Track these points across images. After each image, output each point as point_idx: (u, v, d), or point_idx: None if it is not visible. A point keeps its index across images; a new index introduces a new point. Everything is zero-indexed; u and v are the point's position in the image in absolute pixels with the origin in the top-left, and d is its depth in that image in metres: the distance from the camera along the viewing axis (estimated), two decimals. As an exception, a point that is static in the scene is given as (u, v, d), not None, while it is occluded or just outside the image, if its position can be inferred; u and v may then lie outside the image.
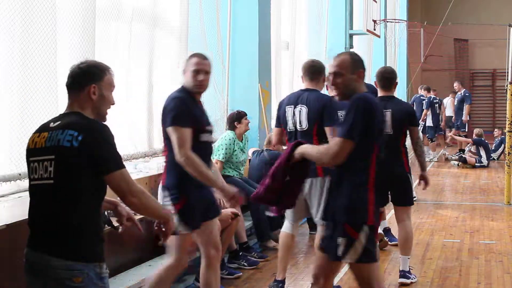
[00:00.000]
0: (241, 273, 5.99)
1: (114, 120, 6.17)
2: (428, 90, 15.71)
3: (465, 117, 16.49)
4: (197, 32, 7.57)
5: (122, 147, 6.21)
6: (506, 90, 9.77)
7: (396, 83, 5.94)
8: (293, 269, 6.27)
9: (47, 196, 2.82)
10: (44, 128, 2.93)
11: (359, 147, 3.53)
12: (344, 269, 5.88)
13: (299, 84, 11.95)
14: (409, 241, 5.76)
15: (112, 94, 3.01)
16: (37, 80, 4.81)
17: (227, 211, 5.87)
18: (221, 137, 7.13)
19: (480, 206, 9.66)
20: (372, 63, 16.51)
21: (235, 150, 7.00)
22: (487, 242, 7.24)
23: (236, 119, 7.07)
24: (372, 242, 3.59)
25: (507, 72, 9.91)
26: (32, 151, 2.90)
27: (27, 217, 4.18)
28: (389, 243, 7.10)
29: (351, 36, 13.21)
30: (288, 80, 10.98)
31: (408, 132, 5.74)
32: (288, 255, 5.42)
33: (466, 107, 16.42)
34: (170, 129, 4.23)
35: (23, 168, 4.73)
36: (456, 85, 16.84)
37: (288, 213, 5.28)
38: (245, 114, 7.12)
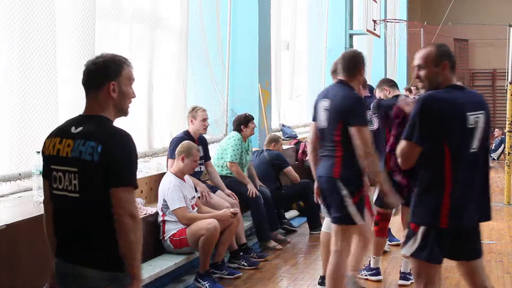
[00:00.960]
0: (241, 273, 5.99)
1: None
2: (409, 90, 15.52)
3: None
4: (197, 32, 7.57)
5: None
6: (506, 90, 9.77)
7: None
8: (293, 269, 6.27)
9: (74, 208, 2.73)
10: (66, 133, 2.76)
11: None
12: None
13: (299, 84, 11.98)
14: None
15: (132, 87, 2.88)
16: (37, 80, 4.81)
17: (226, 211, 5.87)
18: (227, 138, 7.14)
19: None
20: (372, 63, 16.52)
21: (242, 152, 7.03)
22: (487, 242, 7.23)
23: (243, 123, 7.09)
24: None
25: (507, 72, 9.91)
26: (55, 159, 2.76)
27: (27, 217, 4.22)
28: (389, 243, 7.10)
29: (351, 36, 13.21)
30: (289, 80, 10.99)
31: None
32: (328, 252, 5.25)
33: None
34: (358, 129, 4.37)
35: (23, 168, 4.73)
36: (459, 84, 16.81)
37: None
38: (252, 118, 7.16)
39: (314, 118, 4.75)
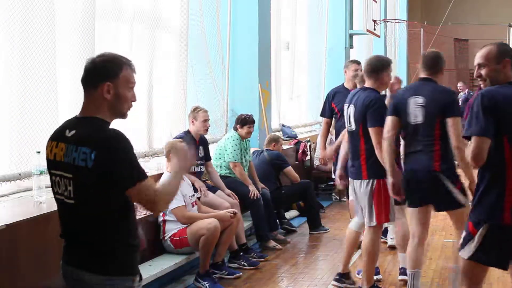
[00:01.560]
0: (241, 273, 5.99)
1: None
2: None
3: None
4: (197, 32, 7.57)
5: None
6: (506, 90, 9.75)
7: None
8: (293, 269, 6.28)
9: (71, 214, 2.72)
10: (61, 136, 2.73)
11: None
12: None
13: (299, 84, 11.99)
14: (407, 238, 5.54)
15: (132, 90, 2.80)
16: (37, 80, 4.81)
17: (226, 212, 5.87)
18: (226, 138, 7.14)
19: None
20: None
21: (241, 151, 7.03)
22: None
23: (239, 123, 7.09)
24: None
25: (507, 72, 9.88)
26: (52, 163, 2.75)
27: (27, 217, 4.22)
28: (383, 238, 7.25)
29: (351, 36, 13.20)
30: (289, 80, 10.99)
31: None
32: (351, 251, 5.45)
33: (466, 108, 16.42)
34: (455, 120, 4.63)
35: (23, 168, 4.73)
36: (460, 85, 16.77)
37: (359, 212, 5.26)
38: (251, 122, 7.09)
39: (397, 114, 4.84)
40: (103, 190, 2.62)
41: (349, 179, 5.37)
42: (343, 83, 7.23)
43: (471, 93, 16.77)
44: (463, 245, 3.62)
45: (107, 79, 2.70)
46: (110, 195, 2.64)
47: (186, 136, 6.27)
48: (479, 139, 3.47)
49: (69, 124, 2.75)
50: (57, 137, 2.75)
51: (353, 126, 5.09)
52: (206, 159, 6.60)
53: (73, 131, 2.68)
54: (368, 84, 5.11)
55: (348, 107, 5.14)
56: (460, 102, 16.64)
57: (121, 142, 2.63)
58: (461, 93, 16.82)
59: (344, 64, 7.52)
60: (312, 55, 12.22)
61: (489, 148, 3.47)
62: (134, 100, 2.83)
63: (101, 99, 2.70)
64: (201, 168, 6.49)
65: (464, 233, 3.66)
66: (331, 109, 7.06)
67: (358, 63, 7.11)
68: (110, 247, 2.68)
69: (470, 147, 3.54)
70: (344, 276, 5.49)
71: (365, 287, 5.21)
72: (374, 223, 5.08)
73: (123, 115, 2.81)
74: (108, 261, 2.68)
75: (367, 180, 5.04)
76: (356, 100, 5.05)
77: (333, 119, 7.10)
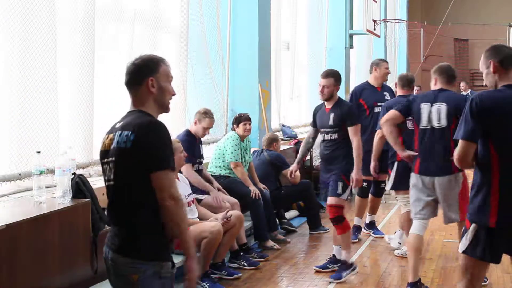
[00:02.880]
0: (240, 274, 5.99)
1: (115, 119, 6.22)
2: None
3: None
4: (197, 32, 7.57)
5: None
6: (506, 90, 9.76)
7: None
8: (293, 269, 6.28)
9: (113, 197, 2.94)
10: (112, 129, 2.99)
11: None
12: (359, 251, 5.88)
13: (299, 84, 11.99)
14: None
15: (171, 84, 3.03)
16: (37, 80, 4.81)
17: (218, 219, 5.81)
18: (225, 138, 7.15)
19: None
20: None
21: (241, 151, 7.02)
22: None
23: (235, 122, 7.12)
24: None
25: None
26: (103, 154, 2.99)
27: (27, 217, 4.22)
28: (373, 235, 7.49)
29: (351, 36, 13.21)
30: (289, 80, 10.99)
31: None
32: (418, 258, 5.43)
33: None
34: None
35: (23, 168, 4.74)
36: (463, 85, 16.72)
37: (422, 213, 5.33)
38: (246, 119, 7.09)
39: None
40: (139, 172, 2.80)
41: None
42: (367, 81, 7.42)
43: (473, 93, 16.75)
44: (461, 239, 3.74)
45: (150, 74, 2.94)
46: (144, 179, 2.80)
47: (188, 135, 6.30)
48: (464, 142, 3.58)
49: (120, 119, 3.00)
50: (110, 130, 3.00)
51: (444, 123, 5.21)
52: (203, 158, 6.62)
53: (121, 122, 2.94)
54: (445, 86, 5.37)
55: (432, 105, 5.27)
56: None
57: (161, 130, 2.85)
58: (463, 93, 16.78)
59: (372, 62, 7.64)
60: (312, 55, 12.22)
61: (477, 151, 3.56)
62: (174, 94, 3.04)
63: (146, 93, 2.95)
64: (198, 167, 6.48)
65: (463, 228, 3.77)
66: (359, 105, 7.20)
67: (386, 61, 7.50)
68: (143, 232, 2.85)
69: (456, 150, 3.66)
70: (416, 285, 5.39)
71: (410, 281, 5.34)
72: (459, 218, 5.27)
73: (166, 108, 3.02)
74: (139, 245, 2.85)
75: (458, 173, 5.22)
76: (447, 99, 5.23)
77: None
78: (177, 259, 5.58)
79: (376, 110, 7.22)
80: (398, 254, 6.70)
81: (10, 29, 4.66)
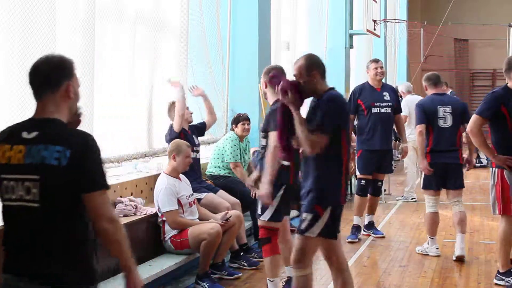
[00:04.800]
0: (240, 274, 5.99)
1: (114, 120, 6.23)
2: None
3: None
4: (197, 32, 7.57)
5: (122, 147, 6.22)
6: (506, 90, 9.76)
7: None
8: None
9: (33, 220, 2.53)
10: (17, 139, 2.57)
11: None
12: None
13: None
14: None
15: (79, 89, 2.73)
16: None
17: (220, 219, 5.82)
18: (224, 138, 7.15)
19: (480, 206, 9.65)
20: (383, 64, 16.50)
21: (240, 151, 7.02)
22: (487, 242, 7.24)
23: (234, 122, 7.14)
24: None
25: (507, 72, 9.88)
26: (6, 167, 2.56)
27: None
28: (373, 235, 7.51)
29: (351, 36, 13.21)
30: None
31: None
32: (508, 248, 5.62)
33: None
34: None
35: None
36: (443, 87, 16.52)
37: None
38: (245, 119, 7.10)
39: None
40: (73, 192, 2.51)
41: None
42: (367, 81, 7.45)
43: (454, 94, 16.53)
44: (312, 225, 4.14)
45: (68, 78, 2.64)
46: (79, 199, 2.53)
47: (170, 131, 6.30)
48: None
49: (25, 127, 2.61)
50: (11, 140, 2.59)
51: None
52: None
53: (35, 132, 2.55)
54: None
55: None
56: None
57: (97, 146, 2.58)
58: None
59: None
60: (312, 55, 12.20)
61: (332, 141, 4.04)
62: (79, 99, 2.77)
63: (63, 99, 2.63)
64: (196, 155, 6.47)
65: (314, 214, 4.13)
66: (357, 105, 7.21)
67: (376, 61, 7.46)
68: (73, 255, 2.55)
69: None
70: (505, 274, 5.52)
71: (501, 270, 5.54)
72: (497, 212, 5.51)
73: (73, 115, 2.77)
74: (67, 271, 2.52)
75: (495, 169, 5.44)
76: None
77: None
78: (178, 259, 5.60)
79: (374, 110, 7.23)
80: (418, 251, 6.74)
81: (10, 29, 4.66)
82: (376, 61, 7.55)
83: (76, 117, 2.88)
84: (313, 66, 4.22)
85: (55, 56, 2.67)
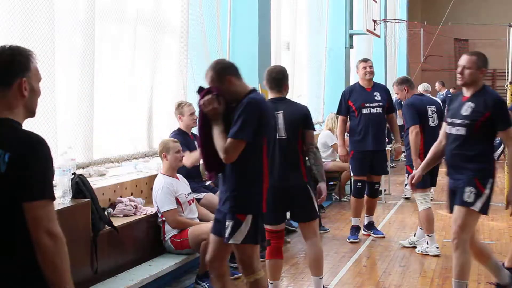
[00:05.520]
0: (240, 274, 5.98)
1: (114, 120, 6.23)
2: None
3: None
4: (197, 32, 7.57)
5: (122, 147, 6.22)
6: (506, 90, 9.78)
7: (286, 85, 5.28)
8: (293, 269, 6.27)
9: None
10: None
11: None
12: (346, 266, 5.87)
13: (299, 84, 11.97)
14: (321, 260, 5.16)
15: (39, 83, 2.48)
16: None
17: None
18: None
19: (480, 206, 9.65)
20: (372, 63, 16.47)
21: None
22: (487, 242, 7.24)
23: None
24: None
25: (507, 72, 9.92)
26: None
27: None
28: (373, 235, 7.54)
29: (351, 36, 13.20)
30: (289, 80, 10.96)
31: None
32: None
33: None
34: None
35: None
36: (437, 85, 16.44)
37: None
38: None
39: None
40: (10, 202, 2.24)
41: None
42: (358, 82, 7.41)
43: (450, 94, 16.50)
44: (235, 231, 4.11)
45: (22, 74, 2.39)
46: (16, 211, 2.25)
47: (179, 133, 6.28)
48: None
49: None
50: None
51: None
52: None
53: None
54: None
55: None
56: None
57: (44, 148, 2.32)
58: (440, 93, 16.44)
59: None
60: (312, 55, 12.22)
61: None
62: (40, 94, 2.52)
63: (16, 97, 2.39)
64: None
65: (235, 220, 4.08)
66: (348, 106, 7.20)
67: (365, 60, 7.43)
68: (13, 270, 2.28)
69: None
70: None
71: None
72: None
73: (34, 112, 2.52)
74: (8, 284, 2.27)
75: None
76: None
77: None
78: (178, 259, 5.60)
79: (364, 111, 7.19)
80: (418, 251, 6.75)
81: (10, 29, 4.65)
82: (365, 60, 7.49)
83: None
84: (223, 72, 4.10)
85: (6, 50, 2.40)
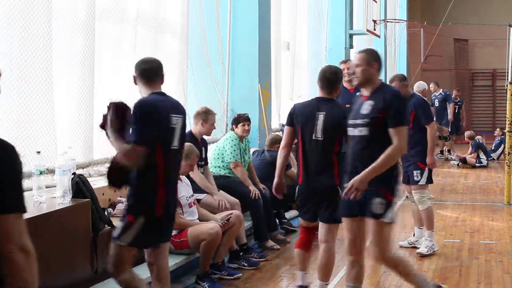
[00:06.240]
0: (240, 274, 5.99)
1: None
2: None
3: (451, 116, 16.08)
4: (197, 32, 7.57)
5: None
6: (506, 90, 9.77)
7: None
8: (293, 269, 6.27)
9: None
10: None
11: None
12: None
13: (299, 84, 11.98)
14: (331, 267, 5.05)
15: None
16: (37, 80, 4.81)
17: (220, 219, 5.82)
18: (224, 138, 7.14)
19: (480, 206, 9.66)
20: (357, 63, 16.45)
21: (240, 151, 7.01)
22: (487, 242, 7.24)
23: (234, 122, 7.14)
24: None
25: (507, 72, 9.90)
26: None
27: (27, 217, 4.18)
28: None
29: (351, 36, 13.21)
30: (289, 80, 10.98)
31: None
32: None
33: (450, 106, 16.08)
34: None
35: (23, 168, 4.72)
36: (432, 86, 16.27)
37: None
38: (245, 120, 7.08)
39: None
40: None
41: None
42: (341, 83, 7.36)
43: (448, 93, 16.42)
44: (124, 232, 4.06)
45: None
46: None
47: (190, 138, 6.25)
48: None
49: None
50: None
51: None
52: (206, 162, 6.58)
53: None
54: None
55: None
56: (437, 103, 15.93)
57: (17, 157, 2.18)
58: (435, 94, 16.19)
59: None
60: (312, 55, 12.22)
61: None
62: None
63: None
64: (201, 170, 6.47)
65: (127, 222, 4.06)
66: None
67: (344, 62, 7.37)
68: None
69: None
70: None
71: None
72: None
73: None
74: None
75: None
76: None
77: None
78: (178, 259, 5.60)
79: None
80: (425, 252, 6.68)
81: (10, 29, 4.66)
82: (344, 61, 7.43)
83: None
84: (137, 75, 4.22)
85: None
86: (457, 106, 16.25)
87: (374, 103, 4.37)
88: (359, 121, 4.42)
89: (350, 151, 4.52)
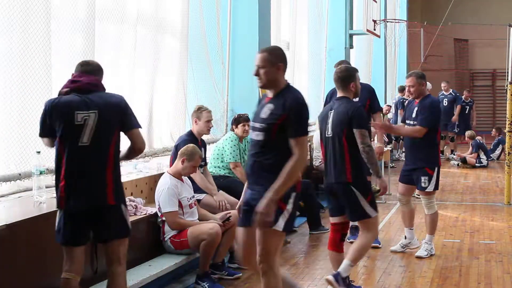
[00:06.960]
0: (240, 274, 5.99)
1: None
2: (401, 90, 15.24)
3: (456, 117, 15.99)
4: (197, 32, 7.57)
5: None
6: (506, 90, 9.77)
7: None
8: (293, 269, 6.27)
9: None
10: None
11: None
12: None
13: (299, 84, 11.99)
14: (363, 252, 5.28)
15: None
16: (37, 80, 4.81)
17: (219, 219, 5.83)
18: (224, 138, 7.14)
19: (480, 206, 9.66)
20: (372, 63, 16.50)
21: (240, 151, 7.02)
22: (487, 242, 7.24)
23: (234, 122, 7.14)
24: None
25: (507, 72, 9.90)
26: None
27: (27, 217, 4.22)
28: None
29: (351, 36, 13.21)
30: (289, 80, 10.97)
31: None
32: None
33: (458, 108, 15.98)
34: None
35: (23, 168, 4.74)
36: (443, 85, 16.19)
37: None
38: (245, 120, 7.07)
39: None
40: None
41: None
42: None
43: (457, 94, 16.34)
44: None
45: None
46: None
47: (191, 138, 6.25)
48: None
49: None
50: None
51: None
52: (205, 163, 6.58)
53: None
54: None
55: None
56: (446, 102, 15.69)
57: None
58: (444, 93, 16.09)
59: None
60: (312, 55, 12.22)
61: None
62: None
63: None
64: (201, 170, 6.47)
65: None
66: None
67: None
68: None
69: None
70: None
71: None
72: None
73: None
74: None
75: None
76: None
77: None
78: (178, 259, 5.60)
79: None
80: (423, 255, 6.65)
81: (10, 29, 4.66)
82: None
83: None
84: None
85: None
86: (468, 107, 16.21)
87: (274, 107, 4.06)
88: (257, 125, 4.10)
89: (247, 154, 4.28)
